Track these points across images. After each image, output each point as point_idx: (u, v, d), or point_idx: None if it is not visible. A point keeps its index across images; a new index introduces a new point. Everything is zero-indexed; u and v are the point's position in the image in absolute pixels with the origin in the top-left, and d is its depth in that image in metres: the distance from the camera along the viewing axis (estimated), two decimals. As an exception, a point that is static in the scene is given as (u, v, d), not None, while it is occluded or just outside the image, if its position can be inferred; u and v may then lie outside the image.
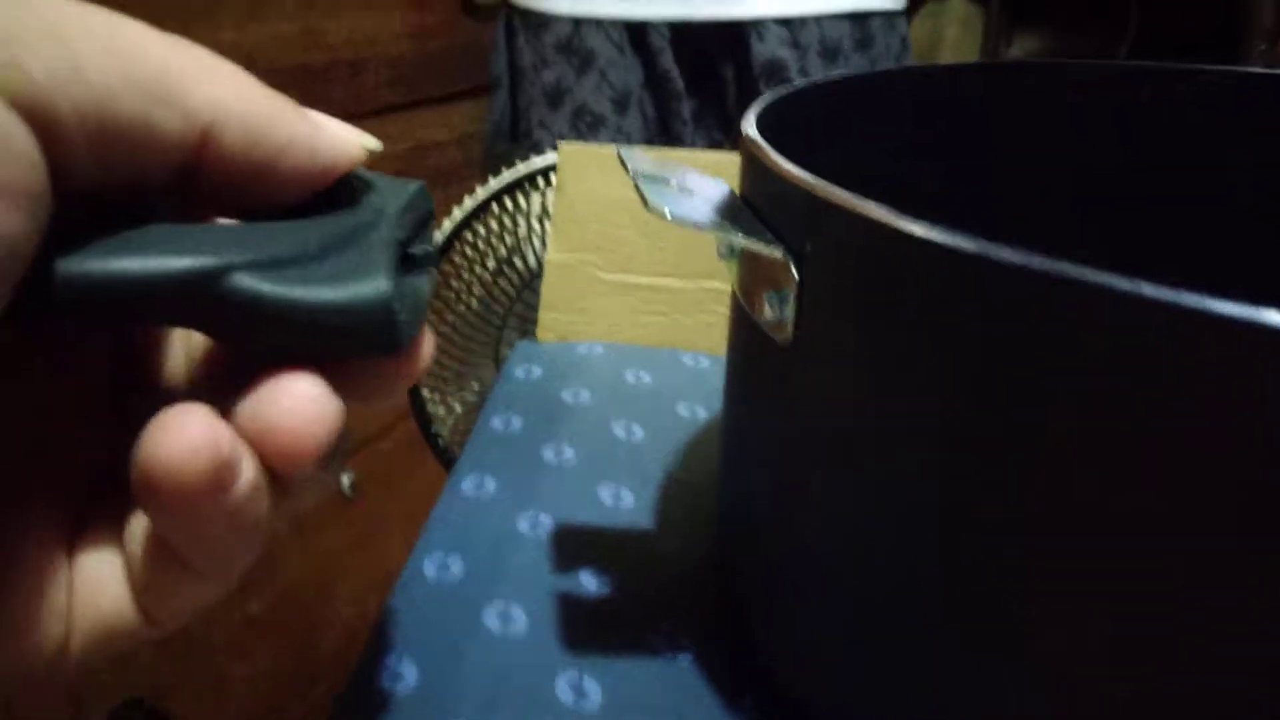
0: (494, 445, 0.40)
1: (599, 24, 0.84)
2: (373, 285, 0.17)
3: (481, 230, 0.70)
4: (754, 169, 0.26)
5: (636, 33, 0.84)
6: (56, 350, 0.19)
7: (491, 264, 0.74)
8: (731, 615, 0.31)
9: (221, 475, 0.15)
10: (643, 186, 0.24)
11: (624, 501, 0.37)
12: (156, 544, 0.17)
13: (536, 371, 0.47)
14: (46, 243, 0.15)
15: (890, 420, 0.22)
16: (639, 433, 0.42)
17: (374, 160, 0.20)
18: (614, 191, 0.47)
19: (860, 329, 0.22)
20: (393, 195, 0.20)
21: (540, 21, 0.86)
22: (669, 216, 0.22)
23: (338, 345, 0.17)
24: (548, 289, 0.49)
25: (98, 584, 0.18)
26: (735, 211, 0.26)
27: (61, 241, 0.15)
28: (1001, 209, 0.37)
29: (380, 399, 0.20)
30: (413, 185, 0.21)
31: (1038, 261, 0.17)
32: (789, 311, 0.24)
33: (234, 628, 0.95)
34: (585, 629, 0.31)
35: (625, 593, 0.32)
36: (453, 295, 0.75)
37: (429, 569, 0.33)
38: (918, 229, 0.19)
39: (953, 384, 0.20)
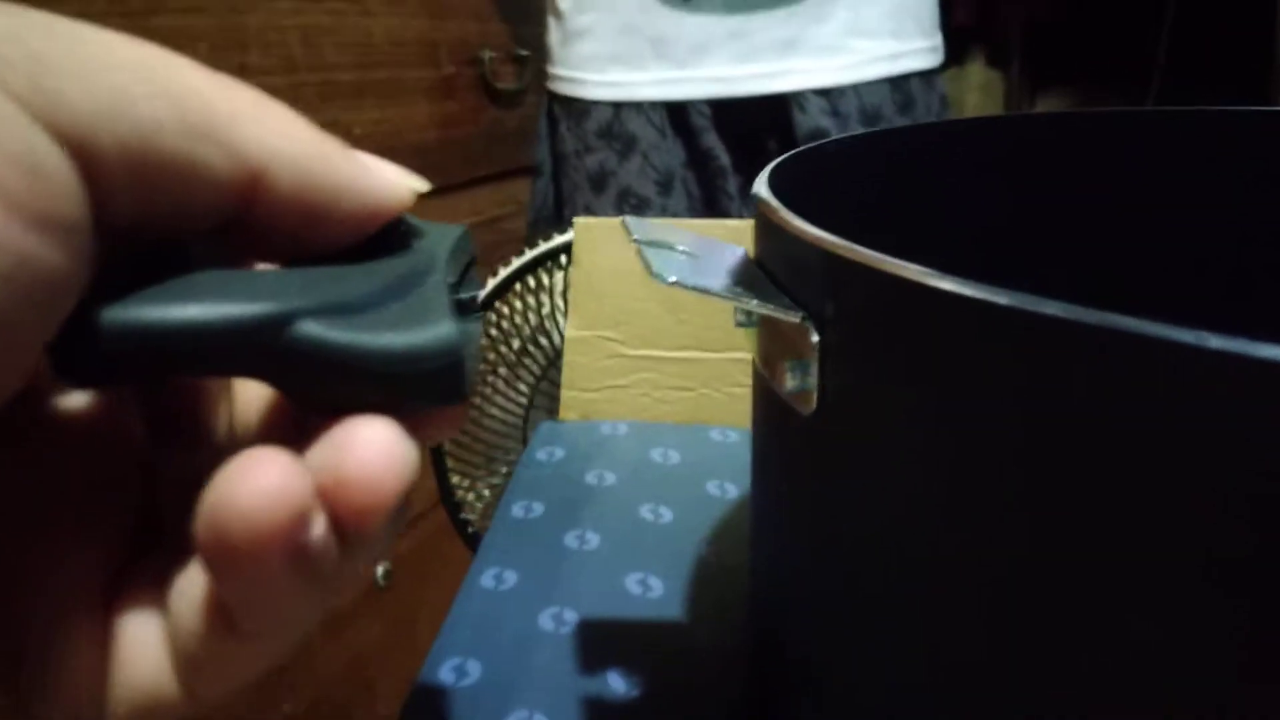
0: (514, 534, 0.38)
1: (639, 107, 0.85)
2: (440, 331, 0.16)
3: (505, 309, 0.69)
4: (767, 230, 0.25)
5: (677, 114, 0.84)
6: (96, 401, 0.18)
7: (516, 344, 0.73)
8: (765, 713, 0.29)
9: (299, 524, 0.14)
10: (646, 253, 0.22)
11: (652, 591, 0.35)
12: (208, 606, 0.16)
13: (559, 453, 0.45)
14: (93, 288, 0.14)
15: (927, 492, 0.19)
16: (667, 515, 0.40)
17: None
18: (632, 264, 0.46)
19: (889, 395, 0.20)
20: (440, 238, 0.19)
21: (581, 109, 0.86)
22: (670, 281, 0.21)
23: (404, 394, 0.16)
24: (568, 367, 0.47)
25: (137, 651, 0.16)
26: (749, 276, 0.24)
27: (107, 289, 0.15)
28: (1028, 264, 0.35)
29: (432, 443, 0.18)
30: (457, 229, 0.20)
31: (1089, 314, 0.15)
32: (811, 380, 0.22)
33: (269, 729, 0.93)
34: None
35: (655, 693, 0.30)
36: (484, 368, 0.74)
37: (445, 675, 0.31)
38: (948, 284, 0.17)
39: (993, 449, 0.17)
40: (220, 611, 0.16)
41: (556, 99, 0.90)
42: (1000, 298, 0.16)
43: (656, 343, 0.47)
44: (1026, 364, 0.16)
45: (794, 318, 0.22)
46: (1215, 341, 0.14)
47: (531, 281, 0.69)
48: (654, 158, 0.86)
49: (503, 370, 0.74)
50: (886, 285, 0.19)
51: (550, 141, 0.93)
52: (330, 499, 0.15)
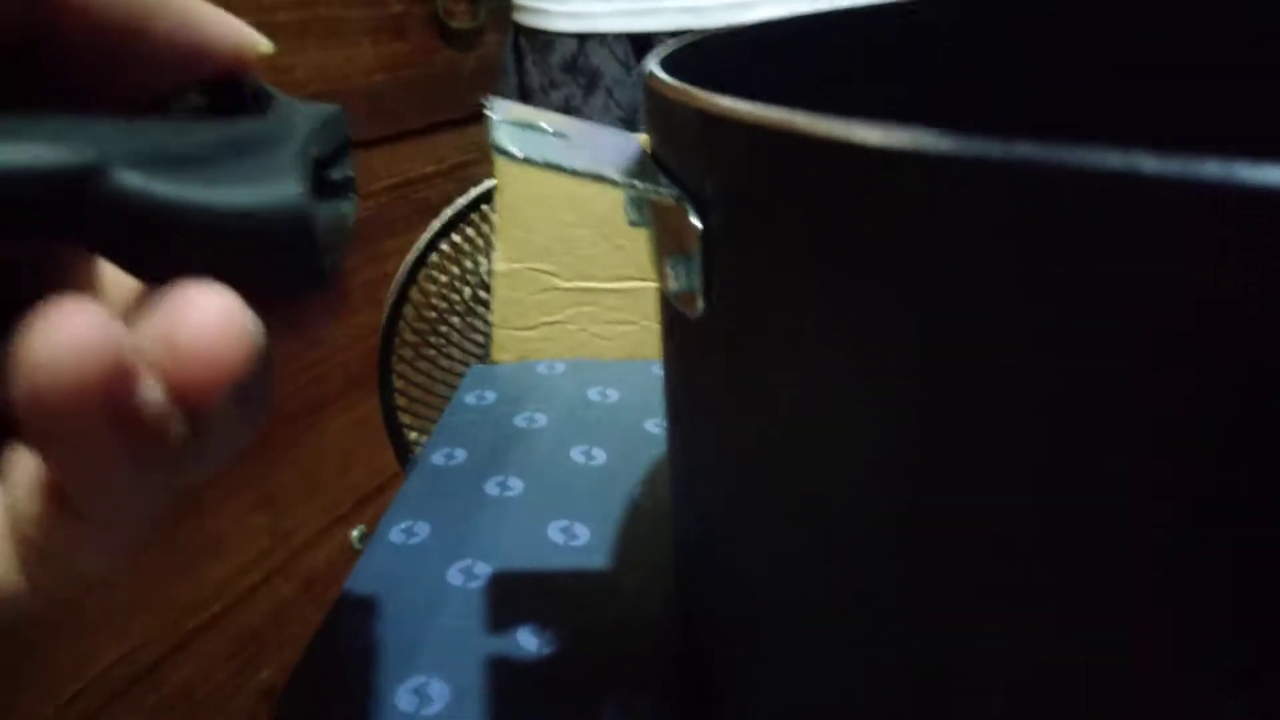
0: (431, 484, 0.35)
1: (603, 39, 0.80)
2: (284, 190, 0.14)
3: (452, 253, 0.65)
4: (652, 107, 0.21)
5: (643, 47, 0.80)
6: None
7: (468, 291, 0.70)
8: (693, 669, 0.25)
9: (117, 381, 0.12)
10: (498, 128, 0.18)
11: (577, 539, 0.31)
12: (42, 486, 0.14)
13: (489, 396, 0.41)
14: None
15: (832, 404, 0.16)
16: (600, 456, 0.36)
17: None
18: (561, 186, 0.42)
19: (782, 286, 0.16)
20: (307, 114, 0.17)
21: (545, 41, 0.82)
22: (517, 157, 0.17)
23: (245, 265, 0.14)
24: (499, 304, 0.44)
25: None
26: (635, 163, 0.20)
27: None
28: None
29: (297, 341, 0.17)
30: (329, 107, 0.18)
31: (1025, 149, 0.11)
32: (696, 277, 0.18)
33: (247, 698, 0.91)
34: (519, 702, 0.25)
35: (571, 653, 0.26)
36: (435, 317, 0.70)
37: (338, 640, 0.28)
38: (849, 132, 0.13)
39: (907, 341, 0.14)
40: (56, 493, 0.14)
41: (522, 30, 0.85)
42: (920, 141, 0.12)
43: (593, 274, 0.43)
44: (953, 222, 0.13)
45: (670, 198, 0.18)
46: (1151, 164, 0.10)
47: (482, 225, 0.65)
48: (618, 93, 0.81)
49: (455, 320, 0.70)
50: (770, 143, 0.15)
51: (517, 77, 0.88)
52: (164, 370, 0.13)
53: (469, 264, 0.68)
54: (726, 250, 0.18)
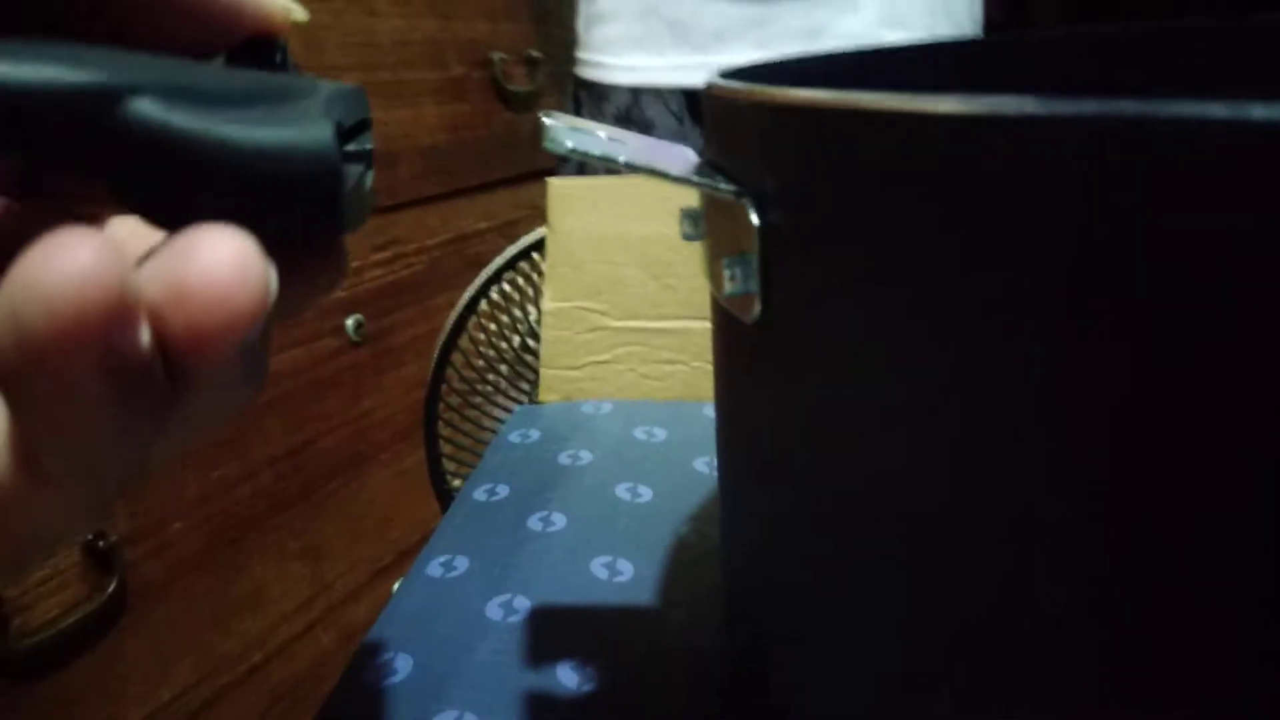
0: (472, 519, 0.34)
1: (657, 93, 0.82)
2: (315, 132, 0.14)
3: (502, 302, 0.66)
4: (711, 111, 0.21)
5: (694, 102, 0.82)
6: None
7: (516, 340, 0.70)
8: (743, 699, 0.24)
9: (117, 319, 0.11)
10: (552, 129, 0.18)
11: (621, 575, 0.30)
12: (12, 442, 0.13)
13: (534, 435, 0.41)
14: None
15: (901, 403, 0.15)
16: (646, 494, 0.35)
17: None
18: (613, 228, 0.42)
19: (845, 290, 0.15)
20: (328, 86, 0.17)
21: (601, 93, 0.84)
22: (566, 148, 0.16)
23: (266, 206, 0.13)
24: (546, 343, 0.43)
25: None
26: (689, 165, 0.20)
27: None
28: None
29: (305, 302, 0.16)
30: (351, 85, 0.17)
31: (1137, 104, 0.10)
32: (753, 279, 0.18)
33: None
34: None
35: (612, 690, 0.25)
36: (483, 365, 0.70)
37: (370, 673, 0.27)
38: (930, 104, 0.13)
39: (980, 353, 0.13)
40: (22, 450, 0.13)
41: (581, 84, 0.87)
42: (999, 105, 0.12)
43: (642, 313, 0.43)
44: (1040, 188, 0.12)
45: (728, 195, 0.17)
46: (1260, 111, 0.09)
47: (532, 274, 0.65)
48: None
49: (503, 368, 0.70)
50: (836, 126, 0.15)
51: None
52: (165, 315, 0.12)
53: (518, 313, 0.68)
54: (786, 248, 0.17)
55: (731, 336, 0.20)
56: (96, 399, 0.12)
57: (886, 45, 0.30)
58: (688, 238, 0.22)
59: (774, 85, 0.25)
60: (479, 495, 0.36)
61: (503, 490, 0.36)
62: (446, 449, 0.65)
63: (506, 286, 0.64)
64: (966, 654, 0.15)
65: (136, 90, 0.13)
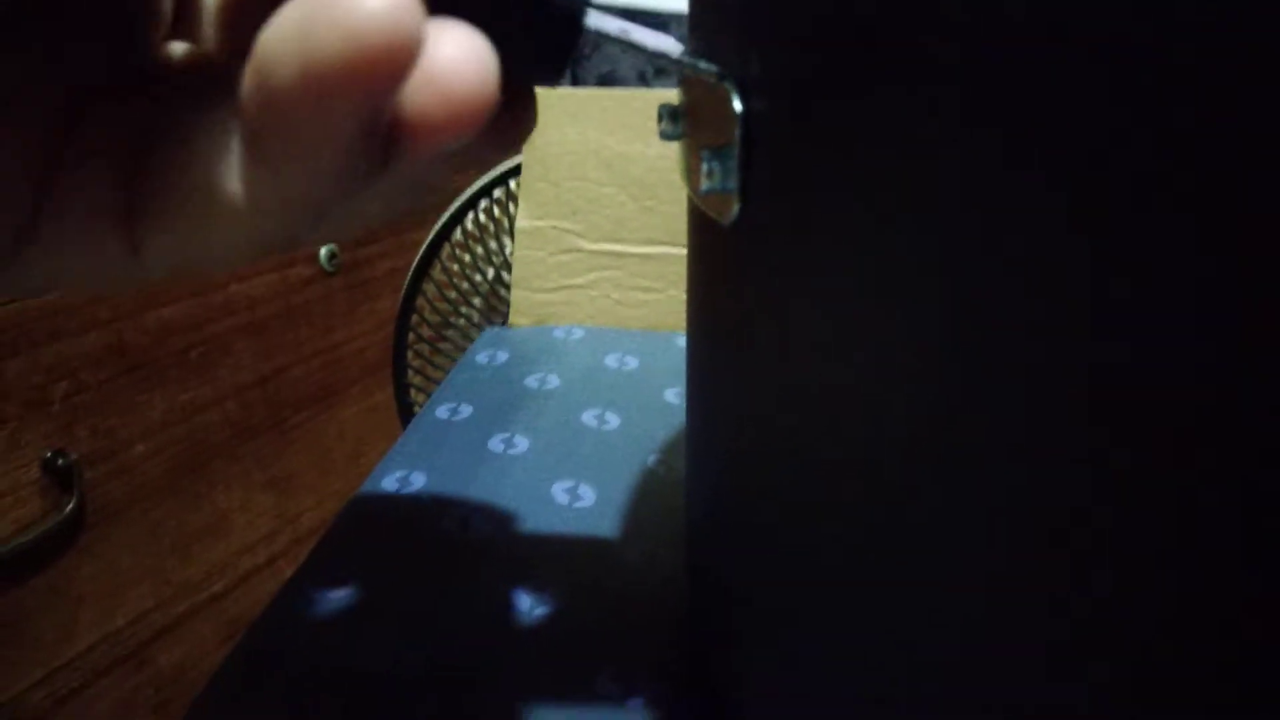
0: (432, 436, 0.33)
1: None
2: None
3: (475, 232, 0.64)
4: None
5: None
6: None
7: (490, 272, 0.68)
8: (696, 646, 0.23)
9: (407, 63, 0.11)
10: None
11: (582, 500, 0.29)
12: (188, 151, 0.13)
13: (501, 356, 0.39)
14: None
15: (884, 315, 0.14)
16: (613, 421, 0.34)
17: None
18: (593, 143, 0.40)
19: (834, 187, 0.14)
20: None
21: None
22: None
23: (513, 21, 0.14)
24: (519, 263, 0.42)
25: (89, 166, 0.13)
26: (669, 46, 0.18)
27: None
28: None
29: (485, 154, 0.16)
30: None
31: None
32: (732, 175, 0.16)
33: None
34: (508, 667, 0.23)
35: (567, 620, 0.24)
36: (456, 297, 0.68)
37: (313, 591, 0.25)
38: None
39: (986, 243, 0.12)
40: (208, 169, 0.13)
41: (597, 11, 0.83)
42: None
43: (620, 236, 0.41)
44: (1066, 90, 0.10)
45: (710, 77, 0.16)
46: None
47: (509, 205, 0.63)
48: None
49: (477, 302, 0.68)
50: (825, 10, 0.13)
51: (572, 66, 0.86)
52: (407, 91, 0.12)
53: (493, 244, 0.66)
54: (769, 139, 0.15)
55: (707, 239, 0.19)
56: (337, 140, 0.11)
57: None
58: (666, 136, 0.21)
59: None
60: (441, 413, 0.35)
61: (465, 410, 0.35)
62: (416, 380, 0.63)
63: (482, 216, 0.62)
64: (944, 593, 0.14)
65: None
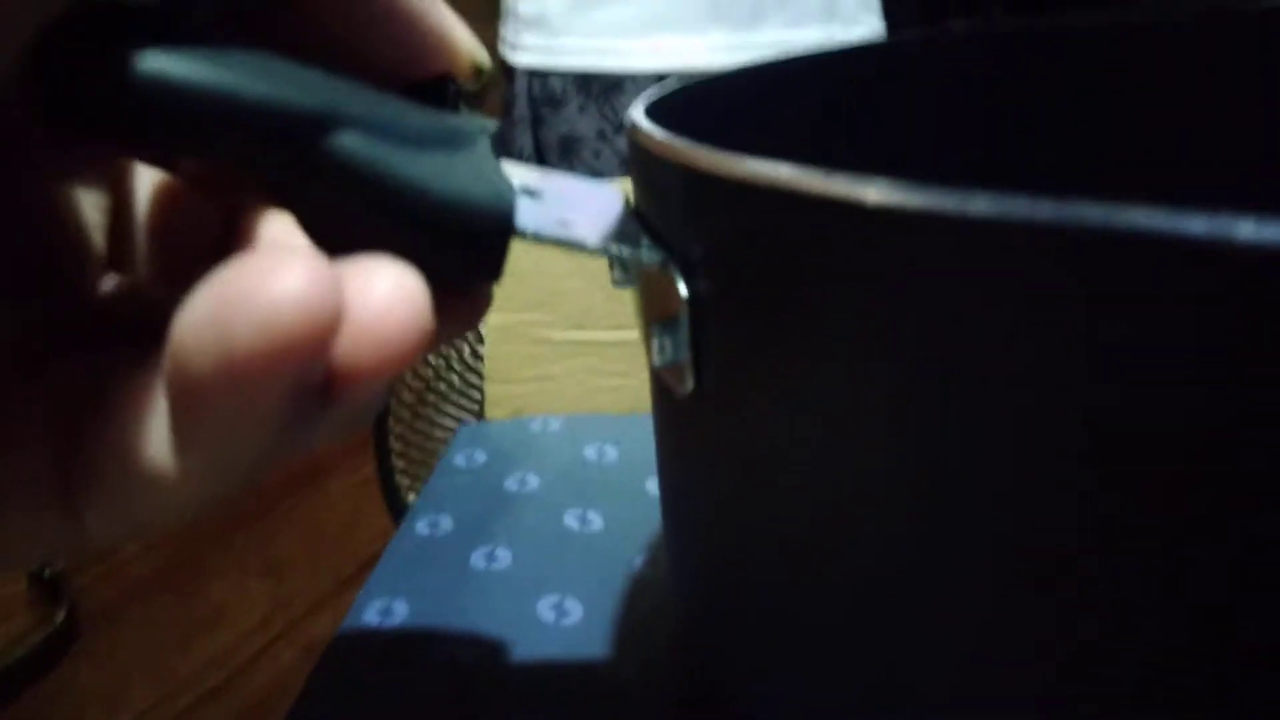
0: (414, 556, 0.33)
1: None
2: (501, 190, 0.14)
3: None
4: (634, 158, 0.19)
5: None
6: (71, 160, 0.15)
7: (466, 349, 0.68)
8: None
9: (324, 343, 0.11)
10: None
11: (569, 616, 0.29)
12: (127, 422, 0.12)
13: (480, 457, 0.39)
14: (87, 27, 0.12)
15: (835, 487, 0.14)
16: (596, 522, 0.34)
17: None
18: (555, 236, 0.40)
19: (779, 363, 0.14)
20: (481, 121, 0.17)
21: (611, 83, 0.77)
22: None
23: (442, 250, 0.14)
24: (491, 359, 0.42)
25: (21, 458, 0.13)
26: (613, 221, 0.18)
27: (108, 29, 0.12)
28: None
29: (442, 338, 0.16)
30: (493, 120, 0.18)
31: (1074, 209, 0.09)
32: (684, 348, 0.16)
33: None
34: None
35: (559, 750, 0.24)
36: (431, 375, 0.68)
37: (306, 735, 0.25)
38: (863, 191, 0.11)
39: (920, 410, 0.12)
40: (148, 440, 0.12)
41: (552, 77, 0.80)
42: (929, 200, 0.10)
43: (589, 324, 0.41)
44: (966, 284, 0.11)
45: (654, 261, 0.16)
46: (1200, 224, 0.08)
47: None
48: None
49: (453, 378, 0.68)
50: (762, 202, 0.13)
51: (535, 130, 0.83)
52: (339, 343, 0.12)
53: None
54: (715, 319, 0.16)
55: (667, 405, 0.19)
56: (267, 417, 0.11)
57: (815, 50, 0.29)
58: (618, 284, 0.21)
59: (704, 109, 0.24)
60: (421, 529, 0.34)
61: (446, 522, 0.35)
62: (399, 463, 0.63)
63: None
64: (935, 641, 0.14)
65: (345, 122, 0.13)
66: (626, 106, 0.77)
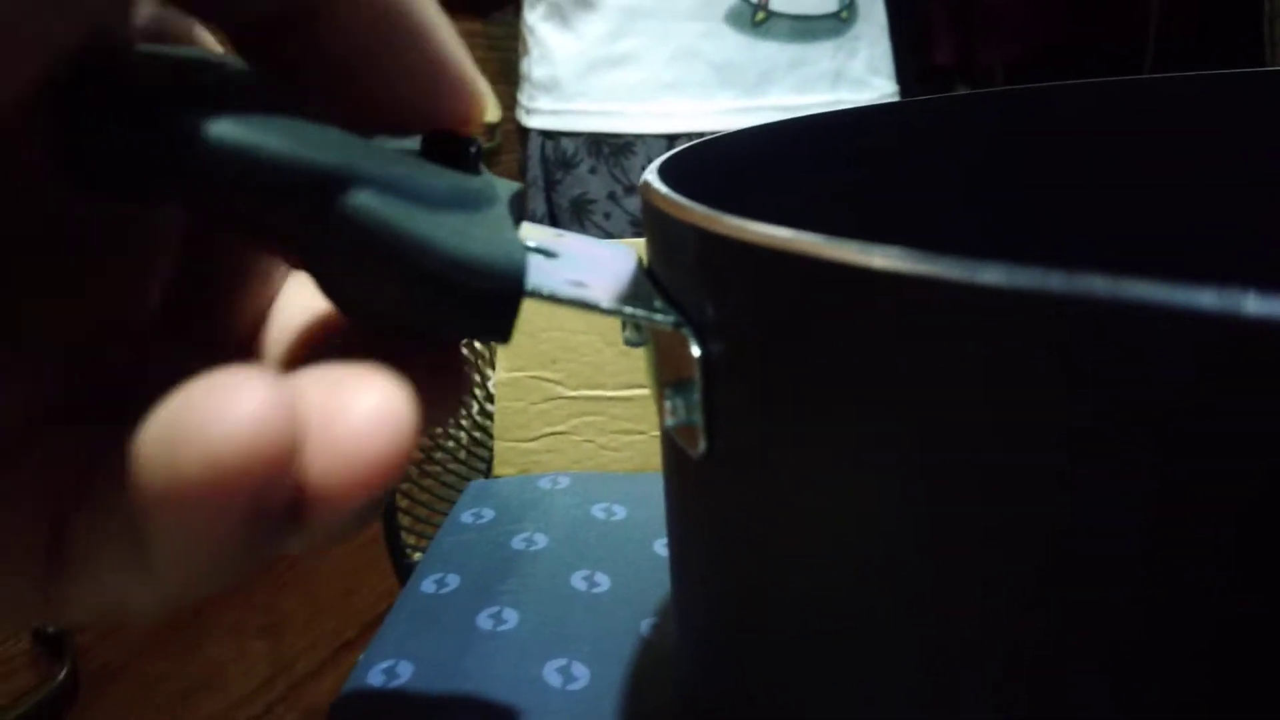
0: (419, 616, 0.32)
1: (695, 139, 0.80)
2: (513, 251, 0.14)
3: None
4: (647, 219, 0.19)
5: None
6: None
7: (475, 406, 0.68)
8: None
9: (278, 471, 0.10)
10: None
11: (576, 682, 0.28)
12: (115, 533, 0.12)
13: (487, 515, 0.39)
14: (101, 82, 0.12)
15: (850, 552, 0.14)
16: (604, 583, 0.33)
17: None
18: (566, 294, 0.40)
19: (793, 429, 0.14)
20: (501, 183, 0.17)
21: (622, 144, 0.79)
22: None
23: (452, 311, 0.14)
24: (500, 414, 0.42)
25: (10, 536, 0.13)
26: (631, 285, 0.18)
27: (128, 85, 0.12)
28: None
29: (431, 423, 0.15)
30: (515, 184, 0.17)
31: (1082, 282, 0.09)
32: (696, 411, 0.16)
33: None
34: None
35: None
36: (440, 433, 0.68)
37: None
38: (876, 259, 0.12)
39: (941, 479, 0.12)
40: (128, 538, 0.12)
41: (564, 139, 0.82)
42: (961, 271, 0.10)
43: (599, 381, 0.41)
44: (986, 354, 0.11)
45: (666, 324, 0.16)
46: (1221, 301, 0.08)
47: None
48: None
49: (461, 435, 0.68)
50: (775, 267, 0.13)
51: (548, 192, 0.85)
52: (310, 457, 0.11)
53: (475, 377, 0.67)
54: (728, 381, 0.15)
55: (679, 465, 0.19)
56: (226, 536, 0.11)
57: (832, 111, 0.29)
58: (630, 344, 0.21)
59: (719, 170, 0.24)
60: (427, 587, 0.34)
61: (452, 581, 0.34)
62: (405, 520, 0.62)
63: (464, 350, 0.62)
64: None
65: (361, 180, 0.13)
66: (637, 168, 0.79)
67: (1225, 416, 0.09)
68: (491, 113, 0.17)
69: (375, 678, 0.29)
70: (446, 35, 0.15)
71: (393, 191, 0.13)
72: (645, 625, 0.31)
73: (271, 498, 0.11)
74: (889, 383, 0.12)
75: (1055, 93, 0.29)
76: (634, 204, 0.81)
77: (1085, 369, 0.10)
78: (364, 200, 0.13)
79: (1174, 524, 0.10)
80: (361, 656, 0.30)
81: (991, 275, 0.10)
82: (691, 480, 0.18)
